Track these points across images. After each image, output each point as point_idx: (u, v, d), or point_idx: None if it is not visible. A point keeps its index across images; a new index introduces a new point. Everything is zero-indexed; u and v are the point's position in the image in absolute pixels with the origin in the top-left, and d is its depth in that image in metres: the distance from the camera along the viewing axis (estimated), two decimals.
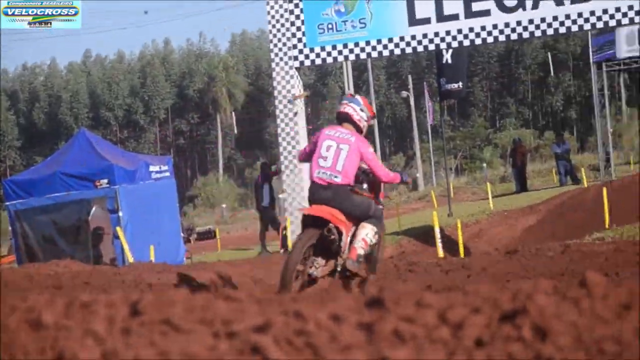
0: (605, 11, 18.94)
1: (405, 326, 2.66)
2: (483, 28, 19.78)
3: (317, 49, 20.79)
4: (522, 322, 2.60)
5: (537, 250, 15.50)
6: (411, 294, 2.83)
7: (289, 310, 2.83)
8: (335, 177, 9.77)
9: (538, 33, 19.89)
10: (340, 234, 9.56)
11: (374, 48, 20.56)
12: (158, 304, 2.91)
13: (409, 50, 20.69)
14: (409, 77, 74.14)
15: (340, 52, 20.77)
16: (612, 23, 19.52)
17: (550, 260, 13.93)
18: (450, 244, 20.16)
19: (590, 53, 37.07)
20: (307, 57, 20.85)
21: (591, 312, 2.61)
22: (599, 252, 14.09)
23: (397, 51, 20.69)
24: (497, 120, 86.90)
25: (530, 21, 19.46)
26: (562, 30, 19.71)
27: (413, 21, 20.14)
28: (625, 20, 19.26)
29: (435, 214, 19.61)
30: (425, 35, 20.12)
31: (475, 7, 19.76)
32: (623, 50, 35.12)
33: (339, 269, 9.61)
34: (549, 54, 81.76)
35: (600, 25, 19.60)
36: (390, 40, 20.36)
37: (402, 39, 20.27)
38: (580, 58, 76.18)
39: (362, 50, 20.61)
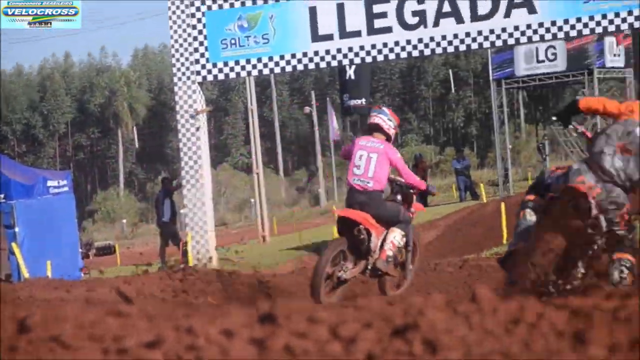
0: (504, 29, 19.25)
1: (296, 341, 2.65)
2: (385, 45, 19.93)
3: (220, 64, 20.71)
4: (413, 336, 2.61)
5: (436, 265, 15.65)
6: (303, 310, 2.82)
7: (180, 325, 2.79)
8: (368, 183, 10.92)
9: (439, 50, 20.11)
10: (369, 235, 10.63)
11: (276, 64, 20.56)
12: (47, 321, 2.85)
13: (311, 66, 20.75)
14: (312, 93, 74.42)
15: (243, 68, 20.72)
16: (511, 41, 19.84)
17: (448, 275, 14.07)
18: None
19: (490, 70, 37.66)
20: (209, 72, 20.76)
21: (481, 326, 2.64)
22: (497, 267, 14.25)
23: (300, 67, 20.73)
24: (399, 136, 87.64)
25: (432, 38, 19.67)
26: (463, 47, 19.96)
27: (316, 37, 20.19)
28: (523, 39, 19.58)
29: (335, 228, 19.64)
30: (328, 52, 20.19)
31: (377, 24, 19.90)
32: (522, 68, 35.76)
33: (369, 267, 10.74)
34: (450, 71, 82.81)
35: (499, 43, 19.90)
36: (293, 56, 20.38)
37: (305, 54, 20.32)
38: (480, 75, 77.31)
39: (265, 65, 20.60)
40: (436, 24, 19.52)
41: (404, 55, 20.29)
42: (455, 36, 19.48)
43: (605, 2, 18.50)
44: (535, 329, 2.62)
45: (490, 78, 37.91)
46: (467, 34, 19.42)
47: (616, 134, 7.26)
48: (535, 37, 19.44)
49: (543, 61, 35.36)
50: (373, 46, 19.95)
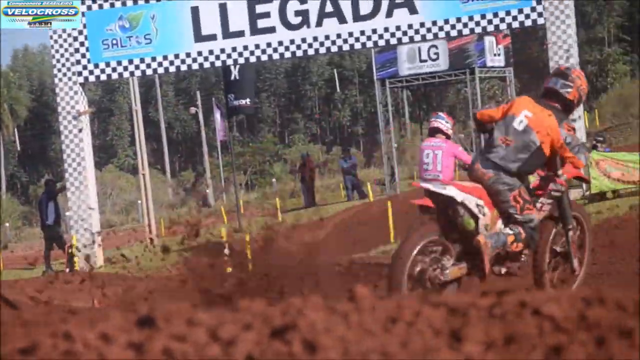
0: (386, 29, 19.45)
1: (175, 344, 2.63)
2: (269, 45, 19.97)
3: (102, 65, 20.50)
4: (292, 337, 2.61)
5: (324, 264, 15.65)
6: (182, 312, 2.80)
7: (57, 331, 2.75)
8: (438, 175, 12.26)
9: (322, 50, 20.24)
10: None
11: (160, 64, 20.43)
12: None
13: (195, 66, 20.68)
14: (198, 93, 74.04)
15: (125, 68, 20.54)
16: (393, 41, 20.08)
17: (336, 275, 14.11)
18: (240, 259, 20.12)
19: (374, 70, 37.96)
20: (91, 72, 20.52)
21: (359, 325, 2.65)
22: (385, 265, 14.38)
23: (184, 67, 20.65)
24: (286, 136, 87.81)
25: (315, 38, 19.78)
26: (346, 47, 20.12)
27: (199, 37, 20.13)
28: (405, 39, 19.82)
29: (223, 229, 19.59)
30: (211, 52, 20.14)
31: (261, 24, 19.92)
32: (405, 67, 36.14)
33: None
34: (334, 70, 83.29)
35: (382, 43, 20.12)
36: (177, 56, 20.28)
37: (188, 55, 20.23)
38: (365, 75, 77.98)
39: (148, 66, 20.46)
40: (319, 24, 19.64)
41: (287, 55, 20.36)
42: (339, 36, 19.63)
43: (484, 2, 18.86)
44: (413, 327, 2.65)
45: (374, 77, 38.22)
46: (350, 34, 19.58)
47: (498, 129, 8.54)
48: (417, 37, 19.71)
49: (426, 61, 35.79)
50: (257, 46, 19.98)
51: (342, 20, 19.57)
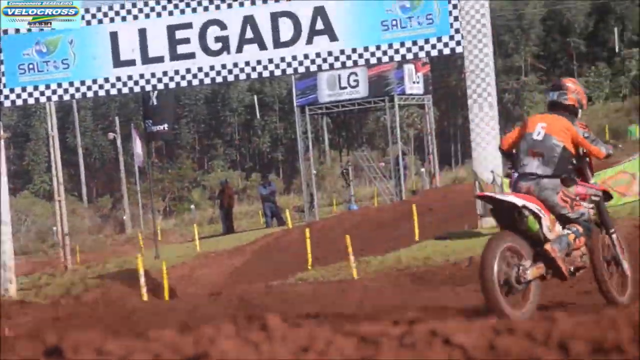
0: (306, 56, 19.51)
1: None
2: (188, 70, 19.90)
3: (18, 90, 20.22)
4: None
5: (242, 291, 15.61)
6: (91, 341, 2.75)
7: None
8: None
9: (243, 76, 20.23)
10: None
11: (77, 89, 20.23)
12: None
13: (113, 91, 20.51)
14: (117, 118, 73.46)
15: (42, 93, 20.30)
16: (313, 68, 20.15)
17: (255, 302, 14.05)
18: (157, 287, 19.99)
19: (294, 97, 38.06)
20: (7, 97, 20.24)
21: (270, 354, 2.63)
22: (300, 292, 14.37)
23: (102, 92, 20.46)
24: (205, 162, 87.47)
25: (235, 64, 19.75)
26: (266, 74, 20.14)
27: (118, 63, 19.98)
28: (325, 66, 19.91)
29: (140, 256, 19.42)
30: (130, 77, 20.00)
31: (180, 49, 19.85)
32: (325, 94, 36.31)
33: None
34: (255, 96, 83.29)
35: (302, 69, 20.17)
36: (95, 81, 20.10)
37: (106, 80, 20.06)
38: (285, 101, 78.11)
39: (66, 91, 20.23)
40: (239, 50, 19.62)
41: (207, 81, 20.31)
42: (259, 62, 19.64)
43: (404, 30, 19.02)
44: (324, 356, 2.63)
45: (295, 104, 38.31)
46: (270, 60, 19.61)
47: (522, 147, 9.16)
48: (337, 64, 19.80)
49: (345, 88, 36.01)
50: (176, 72, 19.89)
51: (262, 46, 19.58)
